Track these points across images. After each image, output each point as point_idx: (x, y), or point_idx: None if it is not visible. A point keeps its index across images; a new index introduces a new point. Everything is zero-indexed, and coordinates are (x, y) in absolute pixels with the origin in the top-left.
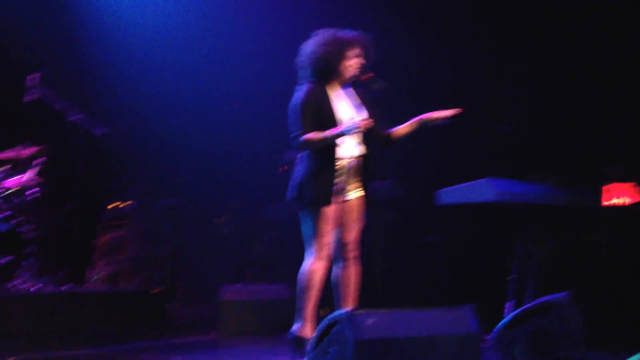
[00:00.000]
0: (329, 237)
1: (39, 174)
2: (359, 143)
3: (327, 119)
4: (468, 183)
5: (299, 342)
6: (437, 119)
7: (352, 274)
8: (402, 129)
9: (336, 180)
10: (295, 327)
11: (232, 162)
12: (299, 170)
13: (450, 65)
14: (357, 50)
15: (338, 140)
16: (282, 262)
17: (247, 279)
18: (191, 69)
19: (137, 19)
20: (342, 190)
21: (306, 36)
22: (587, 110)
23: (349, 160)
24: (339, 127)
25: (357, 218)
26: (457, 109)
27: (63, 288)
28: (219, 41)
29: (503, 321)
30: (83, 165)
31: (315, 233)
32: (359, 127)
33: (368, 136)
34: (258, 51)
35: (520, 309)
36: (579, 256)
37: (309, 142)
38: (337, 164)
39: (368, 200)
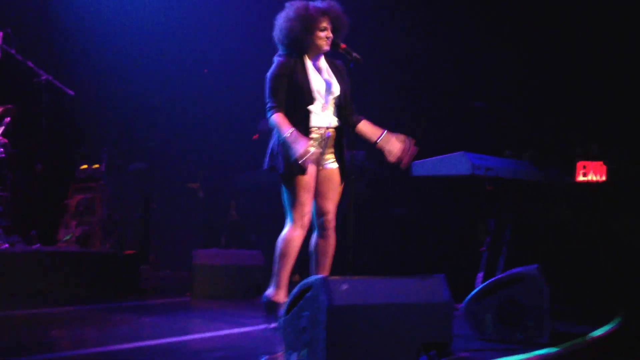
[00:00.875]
0: (307, 205)
1: (7, 133)
2: (334, 114)
3: (301, 90)
4: (443, 155)
5: (272, 306)
6: (394, 154)
7: (330, 244)
8: (368, 131)
9: (311, 150)
10: (269, 291)
11: (207, 128)
12: (274, 139)
13: (426, 41)
14: (327, 22)
15: (312, 109)
16: (256, 229)
17: (221, 244)
18: (165, 32)
19: None
20: (318, 160)
21: (281, 4)
22: (562, 89)
23: (325, 130)
24: (291, 138)
25: (335, 188)
26: (413, 145)
27: (34, 247)
28: (195, 4)
29: (474, 291)
30: (52, 126)
31: (293, 202)
32: (298, 157)
33: (340, 111)
34: (233, 15)
35: (491, 280)
36: (549, 230)
37: (275, 122)
38: (311, 133)
39: (343, 171)
